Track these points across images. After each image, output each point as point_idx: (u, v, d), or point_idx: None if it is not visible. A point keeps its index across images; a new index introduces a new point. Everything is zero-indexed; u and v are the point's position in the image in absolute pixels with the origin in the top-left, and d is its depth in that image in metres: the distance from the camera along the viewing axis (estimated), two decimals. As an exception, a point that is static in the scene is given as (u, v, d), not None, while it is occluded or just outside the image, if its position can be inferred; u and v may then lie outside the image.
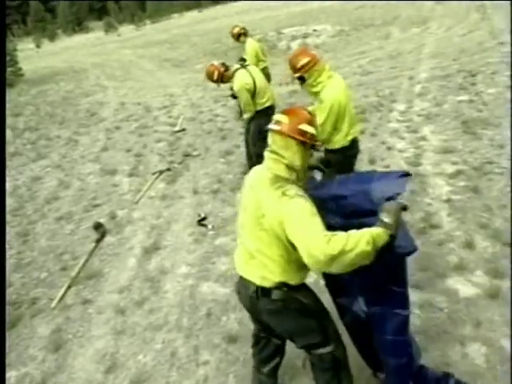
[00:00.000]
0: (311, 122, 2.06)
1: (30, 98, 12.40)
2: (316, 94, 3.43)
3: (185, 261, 4.07)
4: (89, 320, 3.55)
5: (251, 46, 6.57)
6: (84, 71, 14.86)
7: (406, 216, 4.09)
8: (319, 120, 3.29)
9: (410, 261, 3.55)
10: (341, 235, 1.78)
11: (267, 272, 2.05)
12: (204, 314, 3.39)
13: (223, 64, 5.01)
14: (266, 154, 2.10)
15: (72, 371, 3.07)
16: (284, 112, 2.10)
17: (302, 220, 1.84)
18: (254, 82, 4.80)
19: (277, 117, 2.08)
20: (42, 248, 4.63)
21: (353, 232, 1.80)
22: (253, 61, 5.99)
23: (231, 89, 5.05)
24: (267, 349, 2.41)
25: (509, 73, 7.27)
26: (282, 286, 2.05)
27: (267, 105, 4.93)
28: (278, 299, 2.06)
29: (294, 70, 3.37)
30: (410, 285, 3.28)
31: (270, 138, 2.08)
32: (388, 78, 8.34)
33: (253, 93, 4.81)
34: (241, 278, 2.21)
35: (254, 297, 2.11)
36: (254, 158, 4.92)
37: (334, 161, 3.25)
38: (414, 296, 3.17)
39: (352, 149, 3.65)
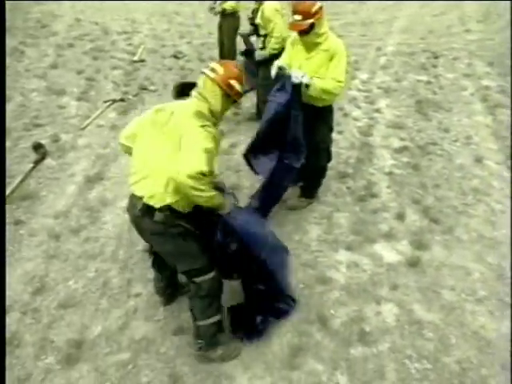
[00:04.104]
0: (240, 80, 2.34)
1: (-28, -6, 11.04)
2: (317, 44, 3.21)
3: (128, 195, 3.99)
4: (20, 241, 3.46)
5: None
6: (37, -25, 13.38)
7: (349, 182, 4.28)
8: (340, 72, 3.18)
9: (345, 224, 3.78)
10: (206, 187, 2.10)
11: (158, 192, 2.16)
12: (141, 249, 3.41)
13: None
14: (194, 93, 2.32)
15: (-3, 289, 3.02)
16: (219, 63, 2.36)
17: (195, 145, 2.08)
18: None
19: (213, 65, 2.33)
20: (-27, 161, 4.34)
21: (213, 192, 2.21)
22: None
23: (252, 24, 4.92)
24: (163, 266, 2.72)
25: (468, 61, 7.54)
26: (166, 209, 2.17)
27: None
28: (159, 221, 2.19)
29: (308, 15, 3.07)
30: (343, 246, 3.53)
31: (201, 81, 2.32)
32: (356, 45, 8.35)
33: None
34: (132, 195, 2.31)
35: (139, 215, 2.24)
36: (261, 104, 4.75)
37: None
38: (342, 256, 3.42)
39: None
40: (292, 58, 3.41)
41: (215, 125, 2.31)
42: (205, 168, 2.04)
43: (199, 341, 2.57)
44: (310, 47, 3.26)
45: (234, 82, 2.30)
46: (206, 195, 2.11)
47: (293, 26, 3.16)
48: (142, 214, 2.22)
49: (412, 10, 11.29)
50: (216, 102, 2.28)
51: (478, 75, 6.97)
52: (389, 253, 3.46)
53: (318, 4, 3.12)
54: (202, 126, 2.15)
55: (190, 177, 2.00)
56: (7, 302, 2.92)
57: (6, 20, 5.35)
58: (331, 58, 3.19)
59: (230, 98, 2.34)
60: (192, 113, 2.20)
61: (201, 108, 2.24)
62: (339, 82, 3.19)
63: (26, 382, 2.49)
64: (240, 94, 2.39)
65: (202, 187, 2.06)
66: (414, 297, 3.09)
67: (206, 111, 2.26)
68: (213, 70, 2.30)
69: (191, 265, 2.37)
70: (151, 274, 3.17)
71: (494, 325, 2.89)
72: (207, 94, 2.28)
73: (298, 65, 3.32)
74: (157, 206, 2.18)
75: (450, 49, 8.21)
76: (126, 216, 3.69)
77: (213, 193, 2.19)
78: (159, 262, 2.72)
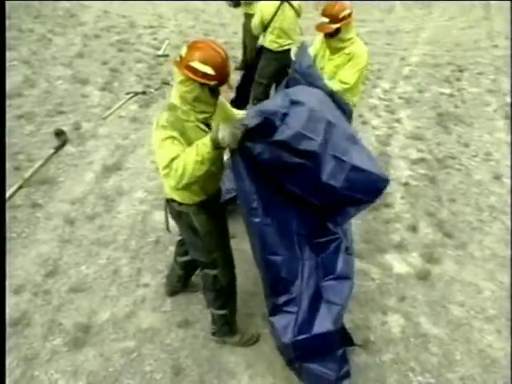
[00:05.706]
0: (208, 61, 1.94)
1: (6, -20, 11.26)
2: (341, 49, 3.24)
3: (143, 186, 4.07)
4: (36, 224, 3.53)
5: None
6: (70, -34, 13.62)
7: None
8: (352, 76, 3.17)
9: (357, 232, 3.76)
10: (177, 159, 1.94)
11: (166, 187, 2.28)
12: (153, 240, 3.46)
13: None
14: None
15: (11, 269, 3.08)
16: (188, 44, 2.04)
17: (157, 148, 2.00)
18: (275, 14, 4.48)
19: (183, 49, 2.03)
20: (-4, 143, 4.44)
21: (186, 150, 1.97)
22: None
23: None
24: (183, 246, 2.74)
25: (493, 77, 7.44)
26: (174, 200, 2.28)
27: (286, 47, 4.60)
28: (174, 208, 2.33)
29: (335, 20, 3.09)
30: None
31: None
32: (381, 54, 8.30)
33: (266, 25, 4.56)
34: None
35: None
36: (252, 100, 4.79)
37: None
38: (352, 263, 3.38)
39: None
40: (317, 55, 3.44)
41: (201, 113, 2.07)
42: (167, 158, 1.93)
43: (213, 326, 2.68)
44: (334, 51, 3.29)
45: (196, 64, 1.92)
46: (188, 165, 1.91)
47: (319, 27, 3.20)
48: (167, 199, 2.36)
49: (438, 22, 11.18)
50: (184, 88, 2.00)
51: (502, 92, 6.87)
52: (399, 264, 3.44)
53: (348, 10, 3.11)
54: (157, 124, 2.02)
55: (166, 176, 1.97)
56: (20, 282, 2.99)
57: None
58: (349, 61, 3.23)
59: (198, 81, 1.96)
60: (162, 110, 2.06)
61: (172, 97, 2.08)
62: (344, 83, 3.19)
63: (33, 360, 2.54)
64: (210, 76, 1.94)
65: (179, 169, 1.91)
66: (422, 310, 3.07)
67: (176, 99, 2.05)
68: (180, 54, 2.03)
69: (198, 256, 2.46)
70: (161, 265, 3.23)
71: (501, 344, 2.85)
72: (177, 80, 2.04)
73: (321, 65, 3.38)
74: (167, 197, 2.32)
75: (476, 63, 8.11)
76: (141, 207, 3.79)
77: (193, 154, 1.91)
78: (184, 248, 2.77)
